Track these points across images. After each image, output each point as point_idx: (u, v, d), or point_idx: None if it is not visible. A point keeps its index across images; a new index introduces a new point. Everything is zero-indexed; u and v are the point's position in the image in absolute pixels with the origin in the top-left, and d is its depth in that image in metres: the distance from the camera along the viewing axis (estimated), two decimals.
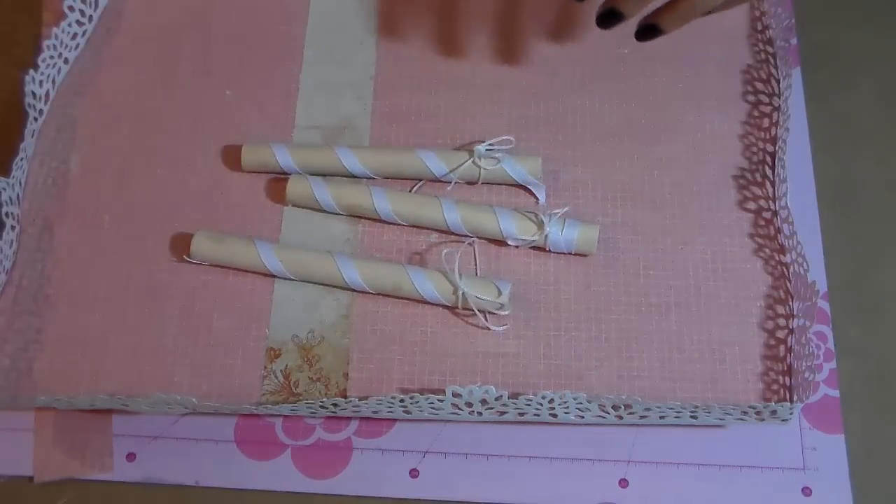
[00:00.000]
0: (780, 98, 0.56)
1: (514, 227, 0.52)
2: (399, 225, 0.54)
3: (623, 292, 0.52)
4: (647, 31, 0.48)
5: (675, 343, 0.51)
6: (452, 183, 0.54)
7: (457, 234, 0.53)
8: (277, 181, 0.56)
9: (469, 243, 0.53)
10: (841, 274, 0.52)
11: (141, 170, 0.57)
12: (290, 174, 0.55)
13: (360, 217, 0.54)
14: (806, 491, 0.48)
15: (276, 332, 0.52)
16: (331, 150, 0.55)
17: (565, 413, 0.47)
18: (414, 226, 0.54)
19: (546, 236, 0.52)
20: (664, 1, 0.47)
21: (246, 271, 0.53)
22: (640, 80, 0.58)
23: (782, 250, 0.52)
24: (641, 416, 0.47)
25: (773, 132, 0.55)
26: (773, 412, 0.46)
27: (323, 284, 0.53)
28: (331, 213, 0.54)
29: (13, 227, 0.54)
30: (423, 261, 0.53)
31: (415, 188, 0.55)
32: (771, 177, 0.54)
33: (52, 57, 0.58)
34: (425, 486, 0.49)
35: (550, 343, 0.51)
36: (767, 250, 0.53)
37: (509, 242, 0.53)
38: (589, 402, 0.46)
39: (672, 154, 0.56)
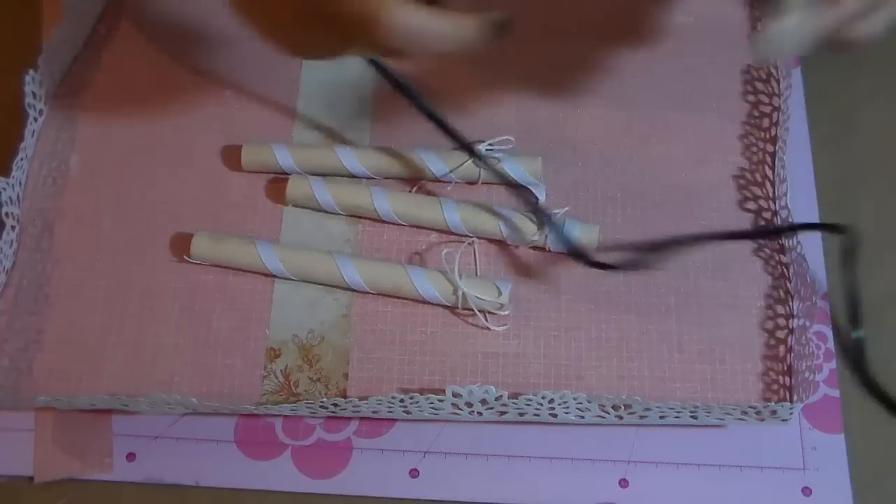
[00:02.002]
0: (780, 98, 0.56)
1: (515, 227, 0.52)
2: (399, 225, 0.54)
3: (623, 292, 0.52)
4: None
5: (675, 343, 0.51)
6: (452, 182, 0.55)
7: (457, 234, 0.53)
8: (277, 181, 0.56)
9: (469, 243, 0.53)
10: (840, 274, 0.52)
11: (141, 170, 0.57)
12: (290, 174, 0.55)
13: (360, 217, 0.54)
14: (806, 491, 0.48)
15: (276, 332, 0.52)
16: (331, 150, 0.55)
17: (565, 413, 0.47)
18: (414, 226, 0.54)
19: (546, 236, 0.52)
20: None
21: (246, 271, 0.53)
22: (640, 80, 0.58)
23: (782, 250, 0.52)
24: (641, 416, 0.47)
25: (773, 132, 0.55)
26: (773, 412, 0.46)
27: (323, 284, 0.53)
28: (331, 213, 0.54)
29: (13, 227, 0.54)
30: (423, 261, 0.53)
31: (415, 188, 0.55)
32: (771, 177, 0.54)
33: (51, 57, 0.58)
34: (425, 486, 0.49)
35: (550, 343, 0.51)
36: (767, 250, 0.53)
37: (509, 243, 0.53)
38: (589, 402, 0.46)
39: (672, 154, 0.56)
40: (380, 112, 0.58)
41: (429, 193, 0.55)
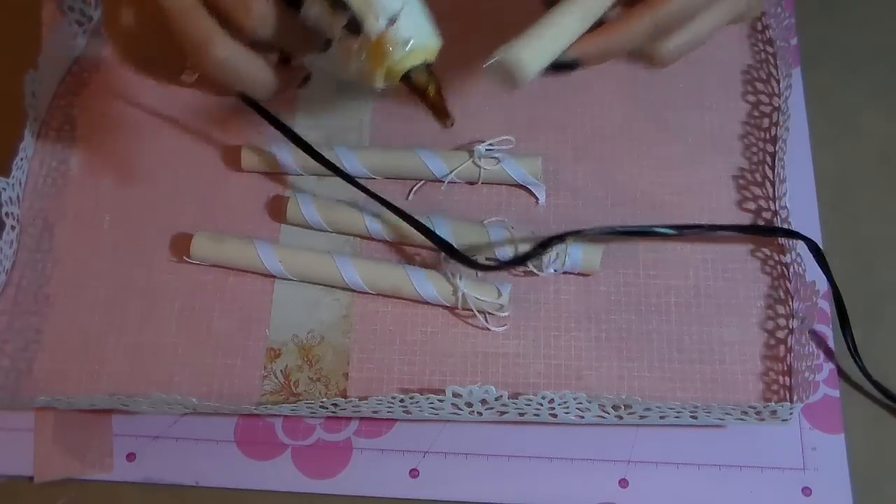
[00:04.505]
0: (780, 98, 0.56)
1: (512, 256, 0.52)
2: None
3: (623, 292, 0.52)
4: (566, 65, 0.41)
5: (675, 343, 0.51)
6: (445, 183, 0.54)
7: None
8: (276, 200, 0.55)
9: None
10: (841, 274, 0.52)
11: (141, 170, 0.57)
12: (290, 174, 0.55)
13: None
14: (806, 491, 0.48)
15: (276, 332, 0.52)
16: (331, 151, 0.55)
17: (565, 413, 0.47)
18: (410, 244, 0.54)
19: (547, 262, 0.52)
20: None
21: (246, 271, 0.53)
22: (640, 79, 0.58)
23: (782, 250, 0.52)
24: (641, 416, 0.47)
25: (773, 132, 0.55)
26: (773, 412, 0.46)
27: (323, 284, 0.53)
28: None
29: (13, 227, 0.54)
30: (424, 261, 0.53)
31: (415, 188, 0.55)
32: (771, 177, 0.54)
33: (52, 57, 0.58)
34: (425, 486, 0.49)
35: (550, 343, 0.51)
36: (767, 250, 0.53)
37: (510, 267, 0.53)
38: (589, 402, 0.46)
39: (672, 154, 0.56)
40: (380, 112, 0.58)
41: (428, 196, 0.54)
